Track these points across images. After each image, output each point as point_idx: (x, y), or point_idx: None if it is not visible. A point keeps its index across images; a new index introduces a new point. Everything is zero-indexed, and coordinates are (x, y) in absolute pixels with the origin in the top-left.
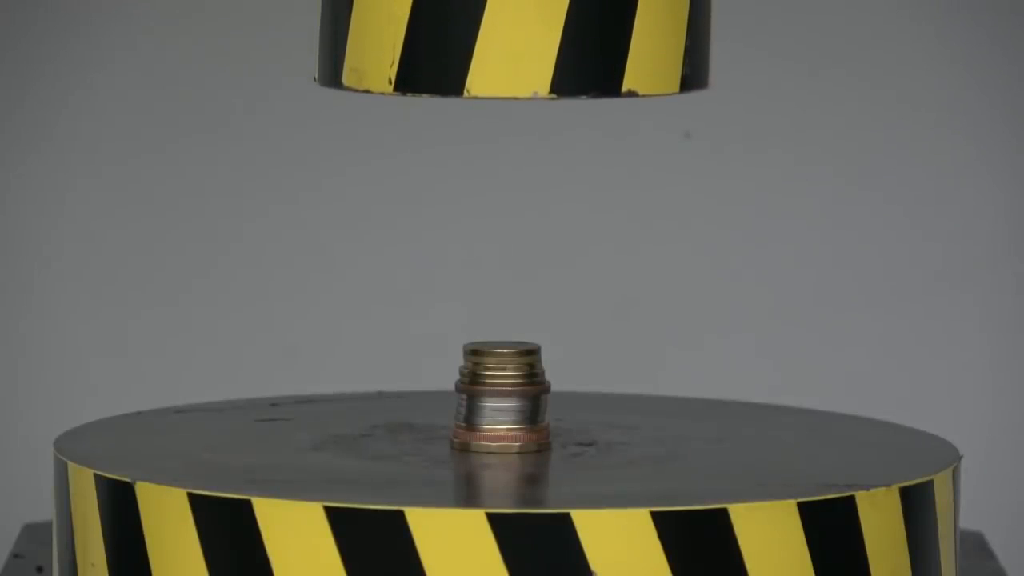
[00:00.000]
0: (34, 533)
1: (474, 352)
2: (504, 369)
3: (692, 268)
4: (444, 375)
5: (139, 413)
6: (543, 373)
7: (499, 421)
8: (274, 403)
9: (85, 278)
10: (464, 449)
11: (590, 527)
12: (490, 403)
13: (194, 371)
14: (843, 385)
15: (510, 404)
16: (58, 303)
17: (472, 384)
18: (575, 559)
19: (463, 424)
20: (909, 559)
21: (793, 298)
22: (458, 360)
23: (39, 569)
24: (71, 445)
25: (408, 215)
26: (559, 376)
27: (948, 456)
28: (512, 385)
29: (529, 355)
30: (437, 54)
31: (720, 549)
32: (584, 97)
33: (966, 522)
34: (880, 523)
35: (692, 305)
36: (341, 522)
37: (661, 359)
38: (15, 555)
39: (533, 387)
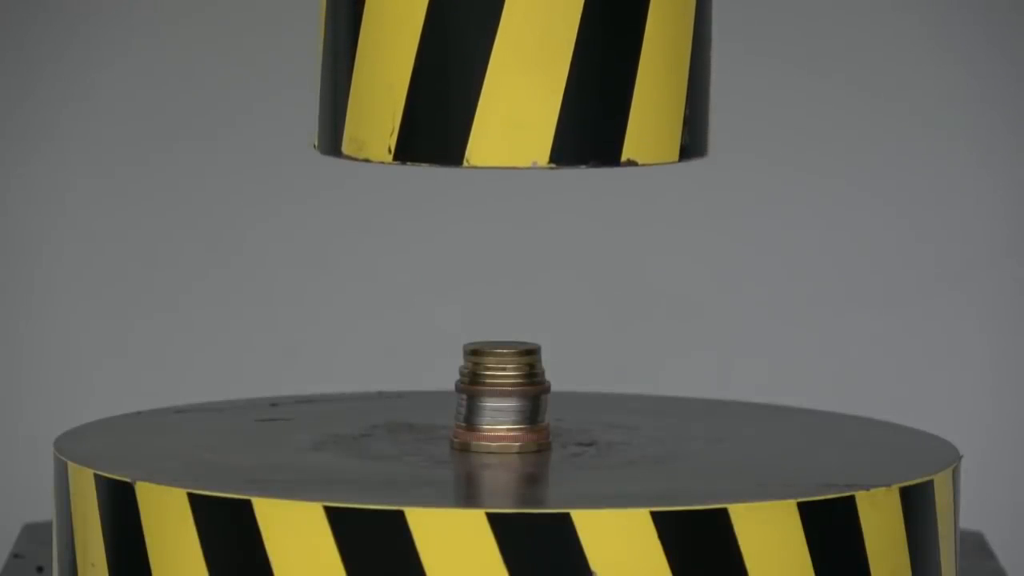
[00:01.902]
0: (34, 533)
1: (474, 352)
2: (504, 369)
3: (692, 269)
4: (444, 375)
5: (139, 413)
6: (543, 373)
7: (499, 421)
8: (274, 403)
9: (86, 278)
10: (464, 449)
11: (590, 527)
12: (490, 403)
13: (194, 371)
14: (843, 385)
15: (510, 404)
16: (59, 303)
17: (472, 384)
18: (575, 559)
19: (463, 424)
20: (909, 559)
21: (793, 298)
22: (458, 360)
23: (39, 569)
24: (71, 445)
25: (409, 216)
26: (559, 376)
27: (948, 456)
28: (512, 385)
29: (529, 355)
30: (436, 124)
31: (720, 549)
32: (583, 167)
33: (966, 522)
34: (880, 523)
35: (692, 305)
36: (341, 522)
37: (661, 359)
38: (15, 555)
39: (533, 387)
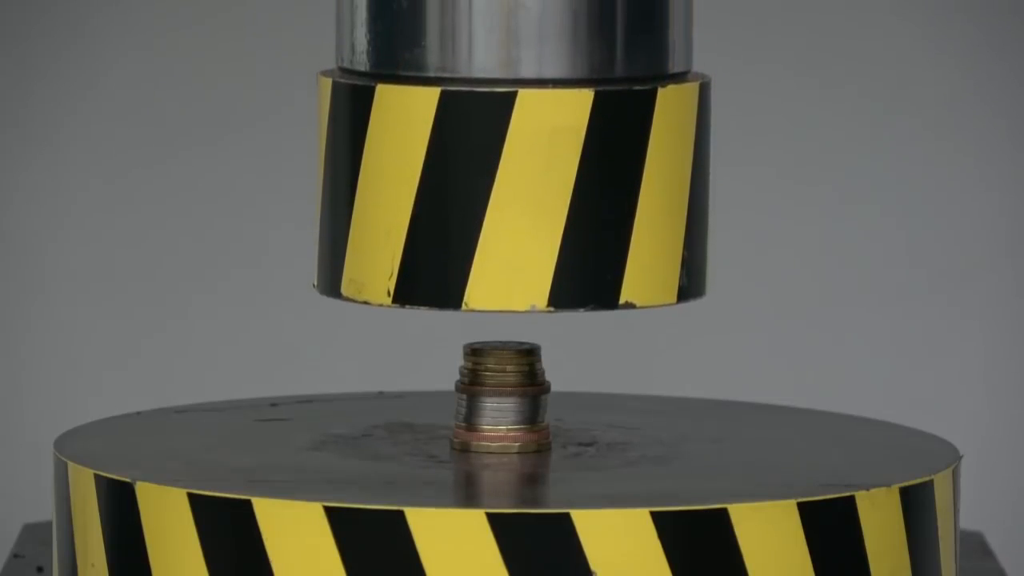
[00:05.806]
0: (34, 533)
1: (474, 352)
2: (504, 369)
3: None
4: (444, 375)
5: (139, 413)
6: (543, 373)
7: (499, 421)
8: (274, 403)
9: (86, 278)
10: (464, 449)
11: (590, 527)
12: (490, 403)
13: (195, 371)
14: (843, 385)
15: (510, 404)
16: (59, 303)
17: (472, 384)
18: (575, 559)
19: (463, 424)
20: (909, 559)
21: (792, 299)
22: (458, 360)
23: (39, 569)
24: (71, 445)
25: None
26: (559, 376)
27: (948, 456)
28: (512, 385)
29: (529, 355)
30: (435, 268)
31: (720, 549)
32: (582, 310)
33: (966, 522)
34: (880, 523)
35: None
36: (341, 522)
37: (660, 359)
38: (15, 555)
39: (533, 387)
